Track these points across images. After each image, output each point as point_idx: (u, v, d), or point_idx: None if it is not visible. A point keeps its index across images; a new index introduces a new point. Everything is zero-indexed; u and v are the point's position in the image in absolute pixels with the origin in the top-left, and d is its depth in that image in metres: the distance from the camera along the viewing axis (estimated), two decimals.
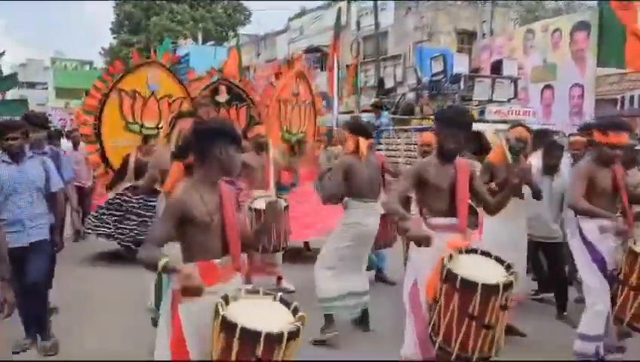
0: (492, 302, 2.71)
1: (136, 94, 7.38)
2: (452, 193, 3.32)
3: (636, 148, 5.21)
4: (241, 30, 37.04)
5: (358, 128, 4.67)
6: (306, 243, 7.60)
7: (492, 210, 3.51)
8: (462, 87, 9.25)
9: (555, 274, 5.22)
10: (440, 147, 3.41)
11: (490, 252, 3.05)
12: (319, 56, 25.01)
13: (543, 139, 5.24)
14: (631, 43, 8.34)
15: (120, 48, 34.98)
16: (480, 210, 3.98)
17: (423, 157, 4.80)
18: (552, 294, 5.31)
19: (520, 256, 4.50)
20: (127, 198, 6.93)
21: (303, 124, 8.38)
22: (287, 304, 2.35)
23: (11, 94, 12.38)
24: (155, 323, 3.37)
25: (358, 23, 24.29)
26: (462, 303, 2.75)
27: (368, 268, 5.09)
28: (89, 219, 7.17)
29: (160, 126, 7.37)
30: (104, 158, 7.39)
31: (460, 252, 2.98)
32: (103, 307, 5.29)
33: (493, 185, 4.41)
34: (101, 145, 7.33)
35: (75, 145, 8.71)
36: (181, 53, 23.26)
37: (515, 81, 9.54)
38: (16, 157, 4.02)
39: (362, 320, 4.79)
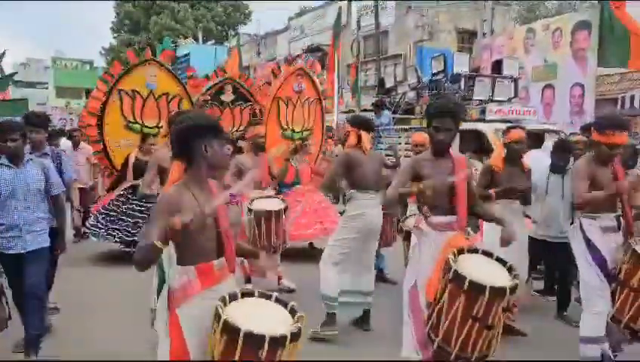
0: (497, 305, 2.71)
1: (136, 94, 7.37)
2: (451, 189, 3.31)
3: (637, 147, 5.21)
4: (242, 29, 37.05)
5: (360, 122, 4.71)
6: (310, 242, 7.60)
7: (480, 215, 3.58)
8: (462, 86, 9.19)
9: (562, 274, 5.21)
10: (431, 140, 3.42)
11: (492, 252, 3.03)
12: (320, 56, 24.99)
13: (554, 140, 5.28)
14: (635, 42, 8.30)
15: (120, 48, 34.96)
16: None
17: None
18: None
19: (521, 256, 4.49)
20: (124, 200, 6.93)
21: (307, 121, 8.33)
22: (284, 304, 2.34)
23: (12, 94, 12.33)
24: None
25: (358, 22, 24.27)
26: (467, 304, 2.74)
27: None
28: (90, 220, 7.16)
29: (160, 125, 7.39)
30: (108, 160, 7.40)
31: (462, 252, 2.97)
32: (103, 307, 5.29)
33: (491, 191, 4.44)
34: (104, 146, 7.34)
35: (75, 145, 8.70)
36: (181, 52, 23.32)
37: (515, 80, 9.49)
38: (15, 159, 3.87)
39: (363, 320, 4.79)
